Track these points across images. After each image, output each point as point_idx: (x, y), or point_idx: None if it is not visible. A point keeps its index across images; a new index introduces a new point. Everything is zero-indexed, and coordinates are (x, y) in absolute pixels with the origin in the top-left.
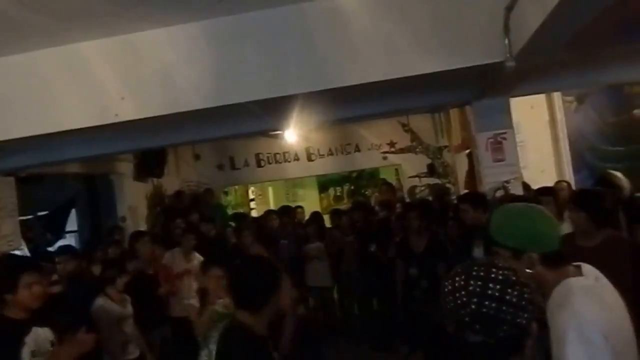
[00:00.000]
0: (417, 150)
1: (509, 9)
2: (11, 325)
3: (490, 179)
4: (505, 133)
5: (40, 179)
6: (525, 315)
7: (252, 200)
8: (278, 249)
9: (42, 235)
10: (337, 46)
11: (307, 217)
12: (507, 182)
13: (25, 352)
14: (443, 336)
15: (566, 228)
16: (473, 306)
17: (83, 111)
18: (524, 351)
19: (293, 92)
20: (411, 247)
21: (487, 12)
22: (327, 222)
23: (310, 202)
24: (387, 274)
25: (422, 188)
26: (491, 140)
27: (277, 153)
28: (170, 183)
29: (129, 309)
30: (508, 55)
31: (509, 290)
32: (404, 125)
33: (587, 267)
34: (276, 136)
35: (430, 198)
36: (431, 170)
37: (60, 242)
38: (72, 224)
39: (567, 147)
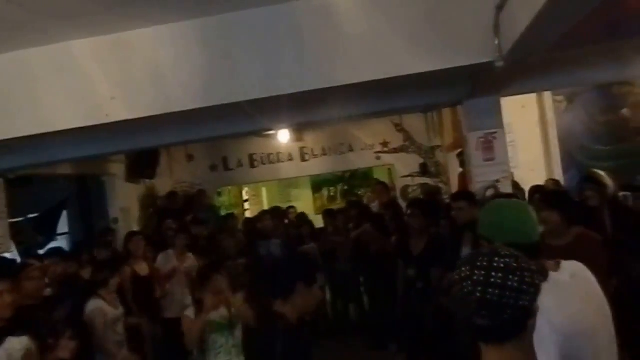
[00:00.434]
0: (410, 150)
1: (499, 8)
2: None
3: (481, 178)
4: (495, 133)
5: (31, 180)
6: (527, 298)
7: (246, 201)
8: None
9: (33, 237)
10: (328, 46)
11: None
12: (497, 181)
13: None
14: (430, 337)
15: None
16: (478, 294)
17: (73, 111)
18: (527, 329)
19: (285, 91)
20: (410, 248)
21: (478, 12)
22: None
23: (304, 202)
24: (383, 273)
25: (415, 188)
26: (482, 139)
27: (271, 153)
28: (163, 184)
29: (121, 310)
30: (498, 55)
31: (510, 277)
32: (397, 125)
33: (566, 264)
34: (269, 136)
35: (421, 197)
36: (424, 170)
37: (52, 245)
38: (63, 226)
39: (557, 147)
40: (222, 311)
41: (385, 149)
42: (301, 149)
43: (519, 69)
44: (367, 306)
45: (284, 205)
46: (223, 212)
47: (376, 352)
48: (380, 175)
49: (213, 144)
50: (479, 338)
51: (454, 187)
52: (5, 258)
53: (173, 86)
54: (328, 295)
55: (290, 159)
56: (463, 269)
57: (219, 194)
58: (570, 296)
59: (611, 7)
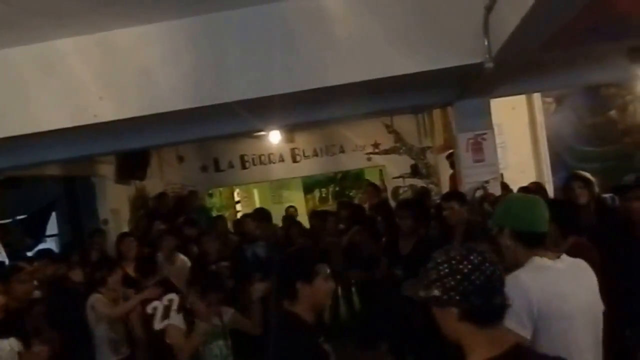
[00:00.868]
0: (401, 151)
1: (488, 9)
2: None
3: (470, 179)
4: (485, 134)
5: (19, 181)
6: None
7: (238, 202)
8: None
9: (21, 239)
10: (319, 46)
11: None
12: (486, 182)
13: None
14: (418, 336)
15: None
16: (498, 272)
17: (60, 111)
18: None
19: (275, 92)
20: (399, 248)
21: (467, 13)
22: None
23: (295, 203)
24: (374, 274)
25: (406, 189)
26: (471, 140)
27: (262, 154)
28: (154, 185)
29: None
30: (487, 56)
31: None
32: (387, 127)
33: (567, 258)
34: (260, 137)
35: (410, 198)
36: (415, 171)
37: (41, 246)
38: (52, 227)
39: (547, 148)
40: (215, 320)
41: (377, 150)
42: (292, 150)
43: (509, 70)
44: (357, 306)
45: (277, 207)
46: (214, 214)
47: (367, 352)
48: (372, 177)
49: (204, 145)
50: (487, 320)
51: (445, 188)
52: None
53: (162, 86)
54: None
55: (282, 160)
56: (471, 257)
57: (210, 195)
58: (553, 277)
59: (596, 10)
